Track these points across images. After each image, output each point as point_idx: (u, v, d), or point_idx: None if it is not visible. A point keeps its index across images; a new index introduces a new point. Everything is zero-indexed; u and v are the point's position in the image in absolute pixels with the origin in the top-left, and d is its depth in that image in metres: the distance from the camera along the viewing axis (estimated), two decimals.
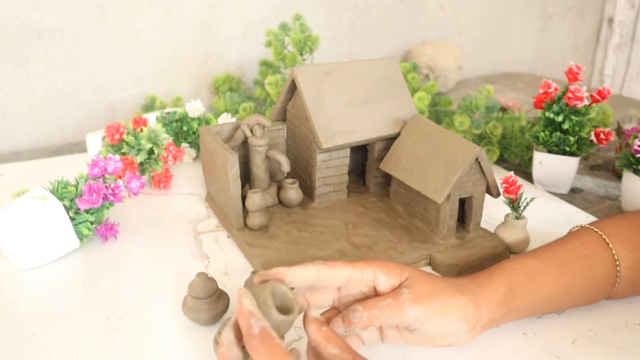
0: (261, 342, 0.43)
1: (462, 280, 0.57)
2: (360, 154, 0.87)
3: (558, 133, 0.87)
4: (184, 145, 1.01)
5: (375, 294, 0.54)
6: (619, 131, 1.01)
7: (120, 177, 0.81)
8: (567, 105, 0.86)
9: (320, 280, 0.51)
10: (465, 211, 0.75)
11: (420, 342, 0.55)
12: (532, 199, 0.74)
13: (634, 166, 0.83)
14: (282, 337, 0.47)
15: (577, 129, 0.86)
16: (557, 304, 0.60)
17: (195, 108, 1.01)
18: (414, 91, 1.09)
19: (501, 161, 1.03)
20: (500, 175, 0.80)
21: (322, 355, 0.47)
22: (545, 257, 0.60)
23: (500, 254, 0.71)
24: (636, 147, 0.82)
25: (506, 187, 0.74)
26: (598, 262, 0.60)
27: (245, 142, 0.81)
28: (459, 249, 0.72)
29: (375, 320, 0.50)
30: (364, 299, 0.54)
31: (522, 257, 0.61)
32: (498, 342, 0.59)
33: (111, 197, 0.74)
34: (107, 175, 0.75)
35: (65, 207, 0.71)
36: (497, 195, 0.74)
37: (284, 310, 0.48)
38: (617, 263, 0.60)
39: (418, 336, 0.54)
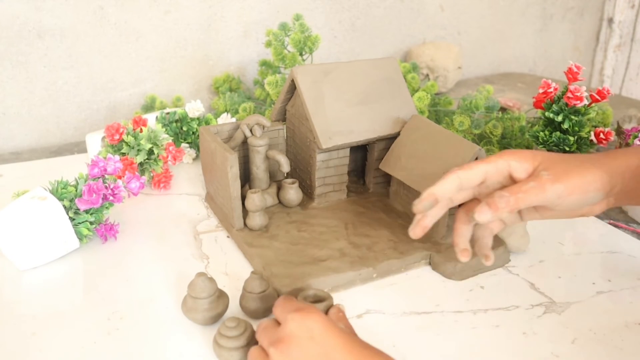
0: (282, 298, 0.53)
1: (594, 155, 0.59)
2: (360, 154, 0.87)
3: (558, 133, 0.87)
4: (184, 145, 1.01)
5: (512, 181, 0.57)
6: (619, 131, 1.01)
7: (120, 178, 0.81)
8: (566, 105, 0.86)
9: (462, 184, 0.57)
10: None
11: (558, 216, 0.60)
12: None
13: None
14: None
15: (576, 128, 0.86)
16: None
17: (195, 108, 1.01)
18: (413, 91, 1.09)
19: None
20: None
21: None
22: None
23: (500, 254, 0.71)
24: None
25: None
26: None
27: (245, 142, 0.81)
28: None
29: (521, 202, 0.54)
30: (502, 188, 0.56)
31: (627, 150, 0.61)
32: (498, 342, 0.59)
33: (111, 198, 0.74)
34: (106, 176, 0.75)
35: (65, 207, 0.71)
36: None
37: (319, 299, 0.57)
38: None
39: (557, 211, 0.58)
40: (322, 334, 0.47)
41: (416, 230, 0.59)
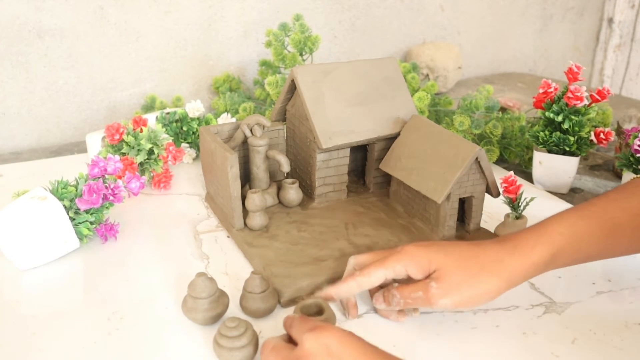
0: (295, 319, 0.53)
1: (499, 251, 0.57)
2: (360, 154, 0.87)
3: (558, 133, 0.87)
4: (184, 145, 1.01)
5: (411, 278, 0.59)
6: (619, 131, 1.01)
7: (120, 178, 0.81)
8: (566, 105, 0.86)
9: (361, 288, 0.59)
10: (465, 211, 0.75)
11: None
12: (531, 199, 0.74)
13: (634, 166, 0.83)
14: None
15: (576, 128, 0.86)
16: (596, 259, 0.62)
17: (195, 108, 1.01)
18: (413, 91, 1.09)
19: (501, 161, 1.03)
20: (500, 175, 0.80)
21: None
22: (597, 217, 0.59)
23: None
24: (636, 147, 0.82)
25: (506, 187, 0.74)
26: None
27: (245, 142, 0.81)
28: None
29: (409, 305, 0.58)
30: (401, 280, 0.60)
31: (573, 215, 0.60)
32: (498, 342, 0.59)
33: (111, 197, 0.74)
34: (107, 176, 0.75)
35: (65, 207, 0.71)
36: (497, 195, 0.74)
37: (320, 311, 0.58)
38: None
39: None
40: (339, 349, 0.48)
41: (353, 312, 0.62)
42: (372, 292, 0.63)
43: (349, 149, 0.80)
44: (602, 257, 0.62)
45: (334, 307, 0.62)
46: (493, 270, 0.56)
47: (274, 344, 0.52)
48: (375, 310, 0.63)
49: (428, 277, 0.57)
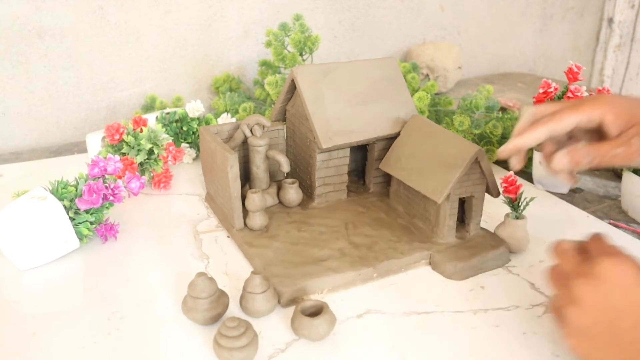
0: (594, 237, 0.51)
1: None
2: (360, 154, 0.87)
3: None
4: (184, 145, 1.01)
5: (600, 133, 0.54)
6: None
7: (120, 178, 0.81)
8: None
9: (552, 134, 0.54)
10: (465, 211, 0.75)
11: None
12: (531, 199, 0.74)
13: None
14: None
15: None
16: None
17: (195, 108, 1.01)
18: (413, 91, 1.09)
19: (501, 161, 1.03)
20: (500, 175, 0.80)
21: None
22: None
23: (500, 254, 0.71)
24: None
25: (506, 187, 0.74)
26: None
27: (245, 142, 0.81)
28: (459, 249, 0.71)
29: (604, 164, 0.52)
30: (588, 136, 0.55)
31: None
32: (498, 342, 0.59)
33: (111, 197, 0.74)
34: (107, 176, 0.75)
35: (65, 207, 0.71)
36: (497, 195, 0.74)
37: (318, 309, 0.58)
38: None
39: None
40: (632, 287, 0.45)
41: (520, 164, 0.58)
42: (547, 153, 0.57)
43: (349, 149, 0.80)
44: None
45: (333, 307, 0.62)
46: None
47: (567, 247, 0.50)
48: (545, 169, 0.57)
49: (625, 131, 0.52)
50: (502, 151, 0.56)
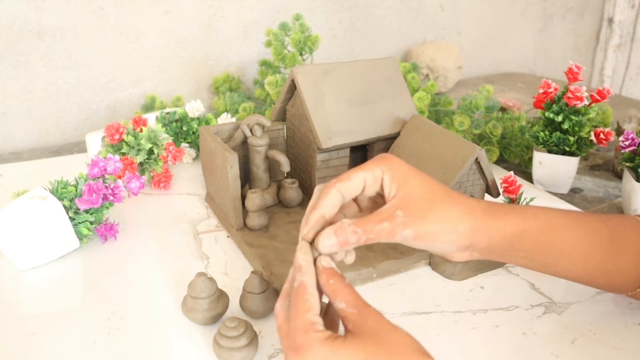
0: (295, 294, 0.46)
1: (473, 203, 0.52)
2: (360, 154, 0.87)
3: (558, 133, 0.87)
4: (184, 145, 1.01)
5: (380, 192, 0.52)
6: (619, 131, 1.01)
7: (120, 177, 0.81)
8: (566, 105, 0.86)
9: (343, 194, 0.51)
10: None
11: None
12: (532, 199, 0.74)
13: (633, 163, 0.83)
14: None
15: (576, 128, 0.86)
16: (569, 268, 0.56)
17: (195, 108, 1.01)
18: (414, 91, 1.09)
19: (501, 161, 1.03)
20: (500, 175, 0.80)
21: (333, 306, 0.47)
22: (575, 217, 0.56)
23: None
24: (621, 144, 0.82)
25: (506, 187, 0.74)
26: (631, 245, 0.55)
27: (245, 142, 0.81)
28: None
29: (371, 241, 0.50)
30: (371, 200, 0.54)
31: (551, 208, 0.56)
32: (498, 342, 0.59)
33: (111, 197, 0.74)
34: (106, 175, 0.75)
35: (65, 207, 0.71)
36: (497, 195, 0.74)
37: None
38: None
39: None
40: None
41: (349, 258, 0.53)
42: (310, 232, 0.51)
43: (349, 149, 0.80)
44: (575, 268, 0.56)
45: None
46: (463, 213, 0.51)
47: (278, 309, 0.48)
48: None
49: (394, 197, 0.50)
50: (307, 235, 0.49)
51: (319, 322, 0.45)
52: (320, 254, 0.49)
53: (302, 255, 0.48)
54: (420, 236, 0.50)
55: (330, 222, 0.50)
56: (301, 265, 0.47)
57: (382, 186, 0.52)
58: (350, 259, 0.53)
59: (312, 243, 0.50)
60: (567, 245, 0.55)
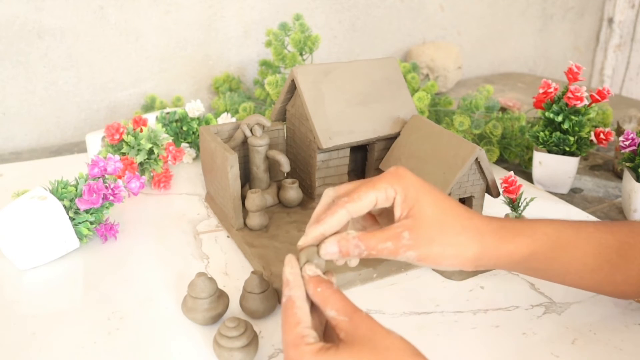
0: (284, 309, 0.46)
1: (483, 226, 0.52)
2: (360, 154, 0.87)
3: (558, 133, 0.87)
4: (184, 145, 1.01)
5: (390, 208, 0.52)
6: (619, 131, 1.01)
7: (120, 177, 0.81)
8: (567, 105, 0.86)
9: (352, 215, 0.50)
10: None
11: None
12: (531, 199, 0.74)
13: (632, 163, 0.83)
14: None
15: (576, 129, 0.86)
16: (575, 280, 0.57)
17: (195, 108, 1.01)
18: (414, 91, 1.09)
19: (501, 161, 1.03)
20: (500, 175, 0.80)
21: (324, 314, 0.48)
22: (586, 231, 0.56)
23: None
24: (621, 144, 0.82)
25: (506, 187, 0.74)
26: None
27: (245, 142, 0.81)
28: None
29: (372, 257, 0.50)
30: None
31: (562, 223, 0.56)
32: (498, 342, 0.59)
33: (111, 197, 0.74)
34: (106, 175, 0.75)
35: (65, 207, 0.71)
36: (497, 195, 0.74)
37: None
38: None
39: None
40: None
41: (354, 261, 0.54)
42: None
43: (349, 149, 0.80)
44: (582, 280, 0.57)
45: None
46: (470, 238, 0.51)
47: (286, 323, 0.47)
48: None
49: (404, 218, 0.50)
50: (303, 245, 0.50)
51: (310, 334, 0.45)
52: (305, 263, 0.49)
53: (289, 269, 0.48)
54: (423, 258, 0.50)
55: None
56: (288, 280, 0.48)
57: (393, 204, 0.52)
58: (355, 262, 0.53)
59: (301, 251, 0.50)
60: (575, 262, 0.55)
